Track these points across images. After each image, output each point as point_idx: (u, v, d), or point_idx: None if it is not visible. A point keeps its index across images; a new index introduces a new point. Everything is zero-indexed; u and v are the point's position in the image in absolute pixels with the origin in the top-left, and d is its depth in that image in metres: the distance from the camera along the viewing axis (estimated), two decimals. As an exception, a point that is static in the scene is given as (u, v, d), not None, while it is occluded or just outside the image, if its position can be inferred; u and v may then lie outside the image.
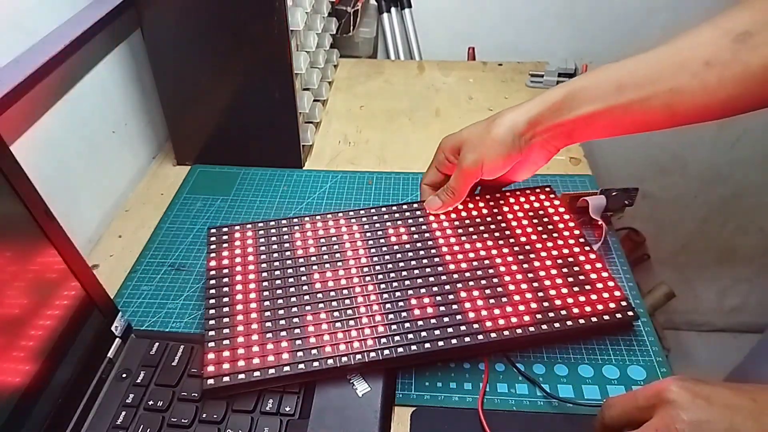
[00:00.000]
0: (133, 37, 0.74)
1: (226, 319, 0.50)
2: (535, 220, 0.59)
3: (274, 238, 0.58)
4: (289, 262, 0.55)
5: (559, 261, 0.55)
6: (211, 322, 0.50)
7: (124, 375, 0.48)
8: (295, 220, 0.60)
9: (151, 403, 0.46)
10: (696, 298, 1.47)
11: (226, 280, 0.54)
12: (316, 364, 0.47)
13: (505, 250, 0.56)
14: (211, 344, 0.48)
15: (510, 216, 0.60)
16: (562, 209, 0.60)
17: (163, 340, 0.51)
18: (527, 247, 0.56)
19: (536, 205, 0.61)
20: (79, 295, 0.46)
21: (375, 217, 0.60)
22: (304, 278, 0.54)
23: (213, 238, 0.58)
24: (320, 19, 0.82)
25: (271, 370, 0.46)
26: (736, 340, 1.49)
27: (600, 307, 0.51)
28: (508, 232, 0.58)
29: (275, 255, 0.56)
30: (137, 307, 0.58)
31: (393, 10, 1.09)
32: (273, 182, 0.74)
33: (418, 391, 0.49)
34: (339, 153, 0.80)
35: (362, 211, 0.60)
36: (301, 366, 0.47)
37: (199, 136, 0.76)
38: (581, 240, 0.57)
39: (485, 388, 0.49)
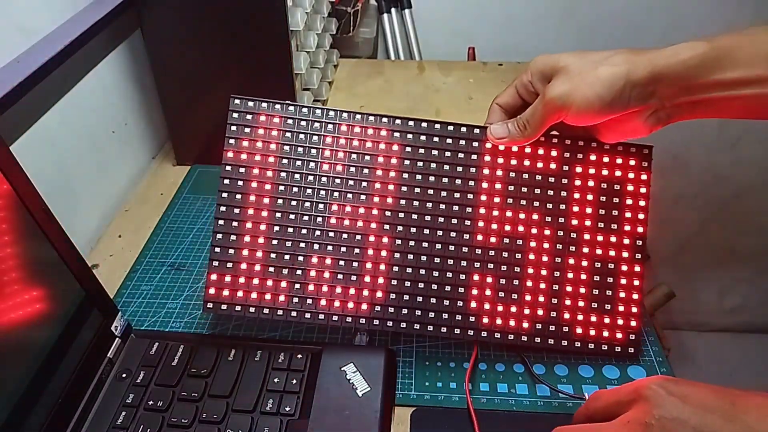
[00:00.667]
0: (133, 37, 0.74)
1: (233, 237, 0.49)
2: (603, 198, 0.50)
3: (302, 136, 0.49)
4: (310, 178, 0.49)
5: (598, 264, 0.50)
6: (219, 236, 0.49)
7: (123, 375, 0.48)
8: (332, 114, 0.50)
9: (151, 403, 0.46)
10: (696, 298, 1.47)
11: (240, 183, 0.49)
12: (308, 315, 0.49)
13: (547, 232, 0.49)
14: (216, 263, 0.49)
15: (578, 182, 0.50)
16: (644, 189, 0.50)
17: (163, 339, 0.51)
18: (573, 235, 0.50)
19: (618, 173, 0.50)
20: (78, 295, 0.46)
21: (423, 137, 0.50)
22: (321, 206, 0.49)
23: (235, 115, 0.49)
24: (320, 19, 0.82)
25: (266, 310, 0.49)
26: (736, 340, 1.49)
27: (606, 333, 0.50)
28: (563, 207, 0.50)
29: (298, 163, 0.49)
30: (137, 307, 0.58)
31: (393, 10, 1.09)
32: (273, 182, 0.74)
33: (418, 391, 0.49)
34: (339, 153, 0.80)
35: (411, 123, 0.50)
36: (294, 314, 0.49)
37: (199, 136, 0.76)
38: (638, 243, 0.50)
39: (472, 368, 0.50)
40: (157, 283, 0.60)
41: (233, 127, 0.49)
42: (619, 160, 0.50)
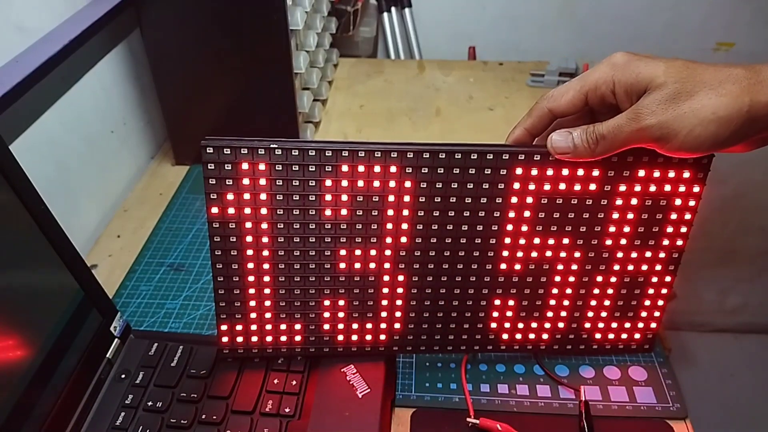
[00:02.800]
0: (133, 37, 0.74)
1: (236, 291, 0.45)
2: (645, 215, 0.44)
3: (296, 183, 0.42)
4: (312, 226, 0.43)
5: (627, 279, 0.47)
6: (221, 291, 0.45)
7: (123, 375, 0.48)
8: (329, 154, 0.41)
9: (150, 403, 0.46)
10: (697, 298, 1.46)
11: (234, 240, 0.43)
12: (326, 349, 0.49)
13: (577, 255, 0.45)
14: (223, 316, 0.46)
15: (619, 202, 0.43)
16: (692, 203, 0.44)
17: (162, 340, 0.51)
18: (605, 255, 0.45)
19: (667, 188, 0.43)
20: (77, 295, 0.46)
21: (440, 170, 0.42)
22: (327, 253, 0.44)
23: (211, 166, 0.41)
24: (320, 18, 0.82)
25: (284, 349, 0.48)
26: (737, 341, 1.49)
27: (624, 336, 0.50)
28: (598, 228, 0.44)
29: (296, 213, 0.43)
30: (136, 308, 0.57)
31: (393, 9, 1.08)
32: (273, 182, 0.74)
33: (419, 392, 0.49)
34: (339, 153, 0.80)
35: (426, 156, 0.41)
36: (312, 350, 0.48)
37: (198, 135, 0.74)
38: (674, 255, 0.46)
39: (464, 373, 0.50)
40: (156, 284, 0.60)
41: (212, 180, 0.41)
42: (671, 173, 0.42)
